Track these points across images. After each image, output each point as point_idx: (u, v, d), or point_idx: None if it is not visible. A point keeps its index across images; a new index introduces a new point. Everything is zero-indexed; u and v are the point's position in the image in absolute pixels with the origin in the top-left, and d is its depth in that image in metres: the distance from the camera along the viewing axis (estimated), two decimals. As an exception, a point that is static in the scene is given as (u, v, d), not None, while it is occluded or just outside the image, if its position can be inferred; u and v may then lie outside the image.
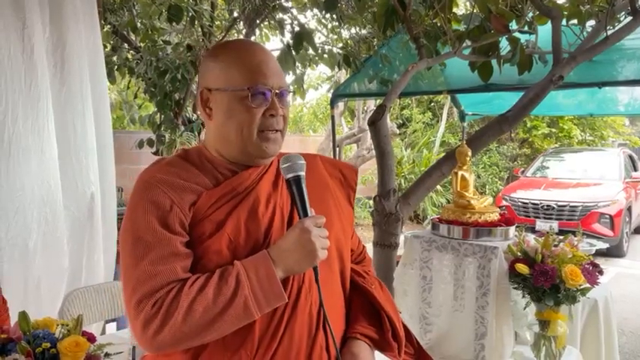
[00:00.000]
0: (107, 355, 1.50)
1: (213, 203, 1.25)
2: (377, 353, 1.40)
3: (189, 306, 1.15)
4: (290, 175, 1.27)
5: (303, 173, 1.28)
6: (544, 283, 2.02)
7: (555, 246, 2.13)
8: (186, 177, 1.27)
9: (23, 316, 1.41)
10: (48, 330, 1.44)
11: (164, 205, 1.22)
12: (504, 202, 8.96)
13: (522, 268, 2.07)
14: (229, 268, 1.20)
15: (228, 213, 1.25)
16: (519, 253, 2.15)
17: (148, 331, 1.15)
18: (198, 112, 1.35)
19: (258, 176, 1.32)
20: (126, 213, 1.27)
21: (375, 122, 2.93)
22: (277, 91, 1.29)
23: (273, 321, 1.23)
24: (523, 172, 10.31)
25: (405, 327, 1.46)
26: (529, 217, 8.52)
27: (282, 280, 1.21)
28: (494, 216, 2.31)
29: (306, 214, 1.25)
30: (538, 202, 8.60)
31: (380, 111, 2.93)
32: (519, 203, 8.81)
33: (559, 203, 8.42)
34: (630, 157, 10.19)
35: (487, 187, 12.23)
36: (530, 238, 2.23)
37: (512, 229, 2.30)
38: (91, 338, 1.45)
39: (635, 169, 9.87)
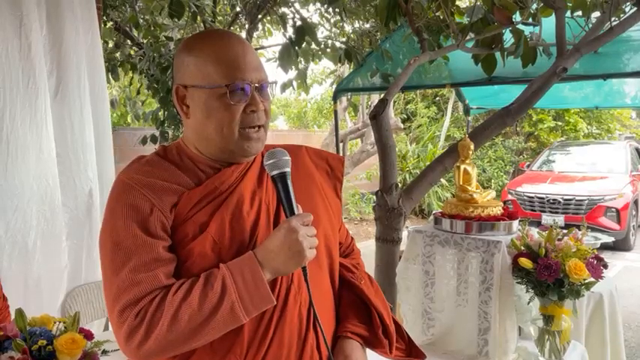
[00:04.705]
0: (105, 352, 1.50)
1: (196, 204, 1.20)
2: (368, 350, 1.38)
3: (174, 314, 1.11)
4: (275, 172, 1.23)
5: (288, 169, 1.23)
6: (548, 278, 1.99)
7: (559, 240, 2.11)
8: (166, 177, 1.22)
9: (19, 313, 1.41)
10: (45, 327, 1.44)
11: (144, 208, 1.17)
12: (510, 196, 8.93)
13: (526, 263, 2.04)
14: (214, 272, 1.15)
15: (211, 214, 1.20)
16: (523, 248, 2.12)
17: (132, 342, 1.12)
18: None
19: (242, 173, 1.27)
20: (104, 216, 1.22)
21: (377, 116, 2.91)
22: (257, 84, 1.22)
23: (262, 323, 1.20)
24: (529, 165, 10.27)
25: (395, 321, 1.43)
26: (535, 211, 8.48)
27: (269, 281, 1.17)
28: (497, 210, 2.29)
29: (292, 212, 1.20)
30: (544, 196, 8.56)
31: (381, 105, 2.91)
32: (525, 197, 8.76)
33: (565, 197, 8.38)
34: (637, 150, 10.11)
35: (493, 181, 12.19)
36: (534, 232, 2.20)
37: (515, 223, 2.27)
38: (88, 335, 1.45)
39: (642, 162, 9.80)
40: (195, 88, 1.22)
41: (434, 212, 2.46)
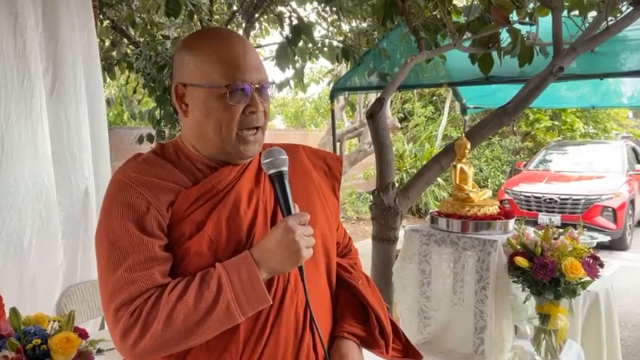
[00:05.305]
0: (100, 351, 1.49)
1: (193, 202, 1.20)
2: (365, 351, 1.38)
3: (170, 313, 1.11)
4: (272, 171, 1.22)
5: (285, 169, 1.23)
6: (543, 277, 1.99)
7: (555, 239, 2.11)
8: (163, 175, 1.22)
9: (14, 312, 1.41)
10: (39, 326, 1.43)
11: (140, 207, 1.17)
12: (506, 196, 8.95)
13: (522, 262, 2.04)
14: (210, 271, 1.15)
15: (208, 212, 1.20)
16: (519, 247, 2.12)
17: (127, 341, 1.12)
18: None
19: (239, 172, 1.26)
20: (100, 215, 1.22)
21: (374, 115, 2.91)
22: (257, 85, 1.21)
23: (258, 323, 1.20)
24: (525, 165, 10.29)
25: (392, 322, 1.43)
26: (531, 210, 8.50)
27: (266, 280, 1.17)
28: (494, 209, 2.29)
29: (289, 212, 1.20)
30: (540, 195, 8.57)
31: (378, 104, 2.91)
32: (521, 197, 8.78)
33: (561, 196, 8.40)
34: (633, 149, 10.15)
35: (489, 180, 12.21)
36: (530, 232, 2.20)
37: (511, 222, 2.27)
38: (83, 334, 1.44)
39: (639, 162, 9.81)
40: (194, 87, 1.21)
41: (430, 211, 2.46)
